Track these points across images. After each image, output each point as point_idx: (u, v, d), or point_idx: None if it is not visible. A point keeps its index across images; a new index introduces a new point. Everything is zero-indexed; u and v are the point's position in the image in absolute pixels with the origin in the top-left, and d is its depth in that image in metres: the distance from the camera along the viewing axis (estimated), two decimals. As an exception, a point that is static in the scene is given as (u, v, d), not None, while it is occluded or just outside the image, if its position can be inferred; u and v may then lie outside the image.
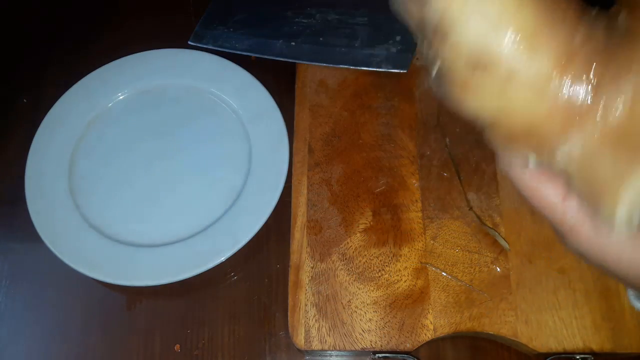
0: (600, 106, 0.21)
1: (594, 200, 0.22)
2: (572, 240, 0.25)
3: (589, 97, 0.21)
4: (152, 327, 0.47)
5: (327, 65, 0.55)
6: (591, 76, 0.21)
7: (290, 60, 0.56)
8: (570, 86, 0.21)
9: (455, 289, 0.44)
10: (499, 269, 0.45)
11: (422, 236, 0.46)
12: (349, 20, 0.57)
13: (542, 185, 0.25)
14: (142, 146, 0.54)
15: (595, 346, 0.42)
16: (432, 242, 0.46)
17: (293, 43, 0.56)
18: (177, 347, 0.46)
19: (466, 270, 0.45)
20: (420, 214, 0.47)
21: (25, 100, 0.59)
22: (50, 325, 0.47)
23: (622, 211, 0.21)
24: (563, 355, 0.42)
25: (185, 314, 0.47)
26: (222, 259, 0.47)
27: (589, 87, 0.21)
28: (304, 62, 0.55)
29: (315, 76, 0.55)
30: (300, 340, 0.43)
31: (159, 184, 0.52)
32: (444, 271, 0.45)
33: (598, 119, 0.21)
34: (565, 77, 0.21)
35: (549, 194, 0.25)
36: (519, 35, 0.21)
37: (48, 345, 0.47)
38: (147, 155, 0.53)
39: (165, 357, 0.46)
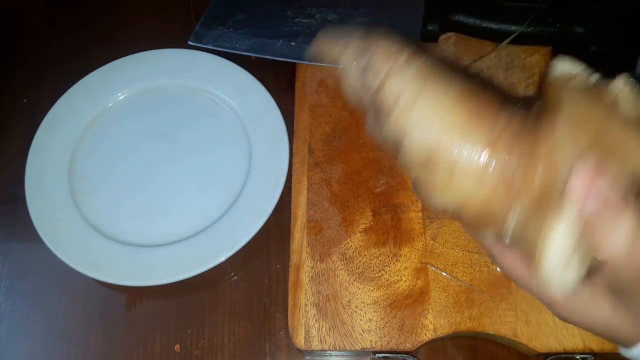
0: (522, 179, 0.26)
1: (532, 263, 0.26)
2: (552, 308, 0.28)
3: (513, 173, 0.26)
4: (152, 327, 0.47)
5: (327, 65, 0.55)
6: (512, 156, 0.26)
7: (290, 60, 0.56)
8: (498, 167, 0.26)
9: (455, 289, 0.44)
10: (499, 269, 0.44)
11: (422, 236, 0.46)
12: (349, 20, 0.57)
13: (510, 258, 0.28)
14: (142, 146, 0.54)
15: (595, 346, 0.42)
16: (432, 242, 0.46)
17: (293, 43, 0.56)
18: (177, 347, 0.46)
19: (466, 270, 0.45)
20: (420, 214, 0.47)
21: (25, 100, 0.59)
22: (50, 325, 0.47)
23: (549, 265, 0.25)
24: (563, 355, 0.42)
25: (185, 314, 0.47)
26: (222, 259, 0.47)
27: (511, 165, 0.26)
28: (304, 62, 0.55)
29: (315, 76, 0.55)
30: (300, 340, 0.43)
31: (159, 184, 0.52)
32: (444, 271, 0.45)
33: (522, 189, 0.26)
34: (492, 161, 0.26)
35: (516, 267, 0.28)
36: (452, 135, 0.27)
37: (48, 345, 0.47)
38: (147, 155, 0.53)
39: (165, 357, 0.46)
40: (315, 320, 0.44)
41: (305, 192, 0.49)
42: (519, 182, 0.26)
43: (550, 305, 0.29)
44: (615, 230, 0.23)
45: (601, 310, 0.27)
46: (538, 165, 0.26)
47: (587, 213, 0.23)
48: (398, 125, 0.29)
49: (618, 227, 0.23)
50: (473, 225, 0.29)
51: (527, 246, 0.26)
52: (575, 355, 0.42)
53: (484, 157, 0.27)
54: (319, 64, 0.47)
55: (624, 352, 0.27)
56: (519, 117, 0.27)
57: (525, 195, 0.26)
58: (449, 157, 0.28)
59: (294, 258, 0.46)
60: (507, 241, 0.27)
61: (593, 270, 0.26)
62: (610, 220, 0.23)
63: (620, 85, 0.26)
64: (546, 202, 0.25)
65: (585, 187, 0.23)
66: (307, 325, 0.43)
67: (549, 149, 0.26)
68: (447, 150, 0.28)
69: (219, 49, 0.57)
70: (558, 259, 0.25)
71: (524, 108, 0.28)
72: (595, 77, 0.27)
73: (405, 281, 0.45)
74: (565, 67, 0.29)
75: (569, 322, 0.29)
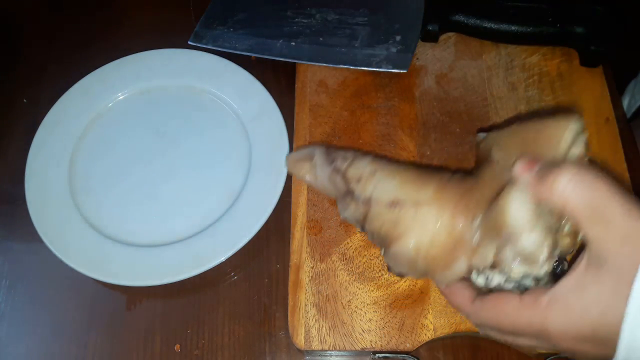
0: (475, 199, 0.34)
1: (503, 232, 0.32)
2: (550, 323, 0.30)
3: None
4: (152, 327, 0.47)
5: (327, 65, 0.55)
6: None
7: (290, 60, 0.56)
8: (452, 197, 0.35)
9: (455, 289, 0.44)
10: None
11: (422, 236, 0.46)
12: (348, 20, 0.57)
13: (502, 301, 0.32)
14: (142, 146, 0.54)
15: (595, 346, 0.42)
16: (432, 242, 0.46)
17: (293, 43, 0.56)
18: (177, 347, 0.46)
19: (466, 270, 0.45)
20: (420, 214, 0.47)
21: (25, 100, 0.59)
22: (50, 325, 0.47)
23: (515, 222, 0.31)
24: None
25: (185, 314, 0.47)
26: (222, 259, 0.47)
27: (465, 190, 0.35)
28: (304, 62, 0.55)
29: (315, 76, 0.55)
30: (300, 340, 0.43)
31: (159, 184, 0.52)
32: (444, 271, 0.45)
33: (477, 206, 0.34)
34: (444, 194, 0.35)
35: (508, 304, 0.31)
36: (410, 183, 0.37)
37: (48, 345, 0.47)
38: (147, 155, 0.53)
39: (165, 357, 0.46)
40: (315, 320, 0.44)
41: (305, 192, 0.49)
42: (473, 203, 0.34)
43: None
44: (558, 172, 0.29)
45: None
46: (486, 183, 0.34)
47: (533, 175, 0.30)
48: (366, 188, 0.38)
49: (560, 169, 0.29)
50: (443, 266, 0.35)
51: (496, 223, 0.32)
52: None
53: (438, 196, 0.35)
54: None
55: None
56: (457, 180, 0.36)
57: (480, 203, 0.34)
58: (409, 201, 0.36)
59: (294, 258, 0.46)
60: (475, 240, 0.34)
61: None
62: (551, 169, 0.29)
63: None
64: (499, 195, 0.32)
65: (526, 163, 0.31)
66: (307, 325, 0.43)
67: (491, 174, 0.35)
68: (407, 197, 0.36)
69: (219, 49, 0.57)
70: (521, 216, 0.31)
71: (461, 176, 0.37)
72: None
73: (405, 281, 0.45)
74: (483, 135, 0.39)
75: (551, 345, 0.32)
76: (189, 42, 0.58)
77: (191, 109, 0.56)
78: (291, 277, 0.45)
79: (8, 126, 0.57)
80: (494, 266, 0.33)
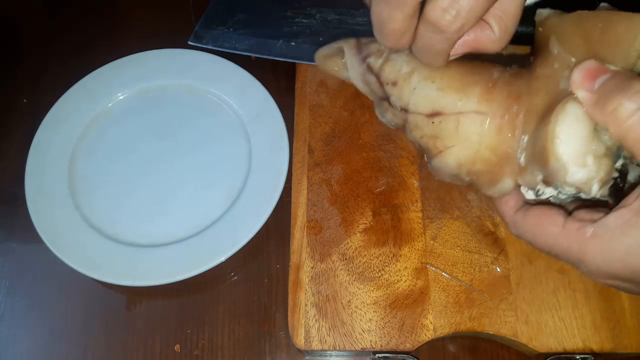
0: (523, 108, 0.29)
1: (549, 163, 0.28)
2: (588, 258, 0.28)
3: (513, 110, 0.29)
4: (152, 327, 0.47)
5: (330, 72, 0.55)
6: (510, 97, 0.30)
7: (290, 60, 0.56)
8: (498, 109, 0.30)
9: (455, 289, 0.44)
10: (499, 269, 0.45)
11: (422, 236, 0.46)
12: (349, 20, 0.57)
13: (545, 220, 0.29)
14: (142, 146, 0.54)
15: (595, 346, 0.42)
16: (432, 242, 0.46)
17: (293, 43, 0.56)
18: (177, 347, 0.46)
19: (466, 270, 0.45)
20: (420, 214, 0.47)
21: (25, 100, 0.59)
22: (50, 325, 0.47)
23: (564, 154, 0.27)
24: (563, 356, 0.42)
25: (185, 314, 0.47)
26: (222, 259, 0.47)
27: (510, 105, 0.30)
28: (304, 62, 0.55)
29: (315, 76, 0.55)
30: (300, 340, 0.43)
31: (159, 184, 0.52)
32: (444, 271, 0.45)
33: (526, 116, 0.29)
34: (491, 106, 0.30)
35: (550, 225, 0.29)
36: (449, 91, 0.31)
37: (48, 345, 0.47)
38: (147, 155, 0.53)
39: (165, 357, 0.46)
40: (315, 320, 0.44)
41: (305, 192, 0.49)
42: (522, 114, 0.29)
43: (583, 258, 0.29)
44: (623, 97, 0.24)
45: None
46: (539, 88, 0.28)
47: (593, 93, 0.25)
48: (402, 95, 0.33)
49: (626, 93, 0.24)
50: (488, 182, 0.31)
51: (542, 152, 0.27)
52: (575, 355, 0.42)
53: (483, 106, 0.30)
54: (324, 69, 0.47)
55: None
56: (511, 70, 0.30)
57: (530, 117, 0.28)
58: (450, 111, 0.31)
59: (294, 258, 0.46)
60: (522, 162, 0.29)
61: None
62: (616, 90, 0.24)
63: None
64: (550, 111, 0.27)
65: (586, 74, 0.25)
66: (307, 325, 0.43)
67: (547, 72, 0.28)
68: (448, 106, 0.31)
69: (219, 49, 0.57)
70: (569, 151, 0.26)
71: (513, 69, 0.31)
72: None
73: (405, 281, 0.45)
74: (547, 12, 0.32)
75: (604, 274, 0.28)
76: (189, 42, 0.58)
77: (191, 109, 0.56)
78: (291, 277, 0.45)
79: (8, 126, 0.57)
80: (544, 182, 0.30)
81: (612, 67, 0.26)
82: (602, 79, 0.26)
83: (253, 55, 0.57)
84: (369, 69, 0.35)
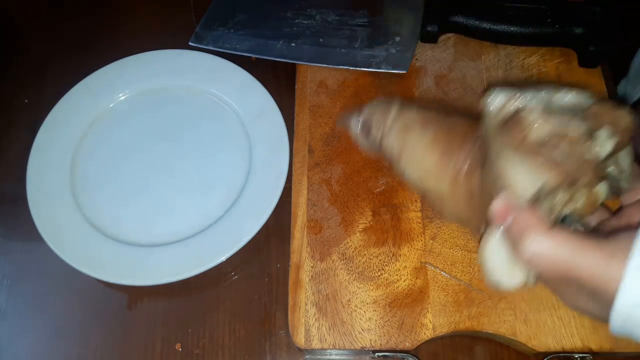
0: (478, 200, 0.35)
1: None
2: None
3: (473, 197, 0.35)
4: (153, 326, 0.47)
5: (327, 66, 0.55)
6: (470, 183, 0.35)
7: (291, 61, 0.56)
8: (463, 193, 0.36)
9: (455, 288, 0.44)
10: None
11: (421, 236, 0.47)
12: (348, 21, 0.57)
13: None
14: (142, 146, 0.54)
15: (594, 345, 0.42)
16: (431, 241, 0.46)
17: (293, 44, 0.56)
18: (178, 346, 0.46)
19: (465, 270, 0.45)
20: (419, 214, 0.47)
21: (26, 101, 0.59)
22: (51, 324, 0.48)
23: (491, 271, 0.32)
24: (562, 355, 0.42)
25: (186, 313, 0.47)
26: (222, 259, 0.47)
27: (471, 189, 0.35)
28: (304, 63, 0.55)
29: (315, 77, 0.55)
30: (300, 339, 0.43)
31: (160, 184, 0.52)
32: (443, 270, 0.45)
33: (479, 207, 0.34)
34: (457, 188, 0.36)
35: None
36: (428, 175, 0.38)
37: (49, 345, 0.47)
38: (147, 155, 0.53)
39: (166, 356, 0.46)
40: (315, 319, 0.44)
41: (305, 192, 0.49)
42: (477, 203, 0.35)
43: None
44: (526, 236, 0.29)
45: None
46: (484, 197, 0.33)
47: (506, 226, 0.30)
48: (399, 168, 0.40)
49: (526, 239, 0.29)
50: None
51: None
52: (574, 355, 0.42)
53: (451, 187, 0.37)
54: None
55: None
56: (473, 154, 0.36)
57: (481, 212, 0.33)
58: (432, 194, 0.39)
59: (294, 257, 0.46)
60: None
61: None
62: (519, 234, 0.29)
63: (531, 116, 0.31)
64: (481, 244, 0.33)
65: (498, 211, 0.30)
66: (307, 324, 0.44)
67: (488, 178, 0.33)
68: (430, 185, 0.38)
69: (220, 49, 0.57)
70: (496, 265, 0.31)
71: (477, 142, 0.36)
72: (514, 106, 0.32)
73: (404, 280, 0.45)
74: (495, 100, 0.33)
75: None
76: (190, 43, 0.58)
77: (192, 109, 0.56)
78: (291, 276, 0.46)
79: (9, 126, 0.57)
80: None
81: (522, 201, 0.30)
82: (512, 215, 0.30)
83: (253, 55, 0.57)
84: (374, 141, 0.42)
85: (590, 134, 0.30)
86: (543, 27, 0.53)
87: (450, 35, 0.57)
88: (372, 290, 0.45)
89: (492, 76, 0.54)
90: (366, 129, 0.43)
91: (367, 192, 0.49)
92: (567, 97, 0.32)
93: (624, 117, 0.31)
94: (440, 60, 0.56)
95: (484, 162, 0.34)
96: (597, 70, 0.54)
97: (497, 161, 0.31)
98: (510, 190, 0.30)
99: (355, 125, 0.44)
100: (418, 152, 0.39)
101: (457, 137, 0.37)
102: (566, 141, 0.30)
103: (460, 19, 0.55)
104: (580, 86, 0.46)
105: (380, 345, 0.43)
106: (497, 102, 0.32)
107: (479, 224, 0.34)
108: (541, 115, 0.30)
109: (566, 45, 0.55)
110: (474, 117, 0.38)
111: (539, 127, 0.30)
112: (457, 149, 0.37)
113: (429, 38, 0.56)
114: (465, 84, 0.54)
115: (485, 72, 0.55)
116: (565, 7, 0.54)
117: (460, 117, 0.40)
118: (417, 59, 0.56)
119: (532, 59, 0.55)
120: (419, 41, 0.56)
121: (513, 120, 0.31)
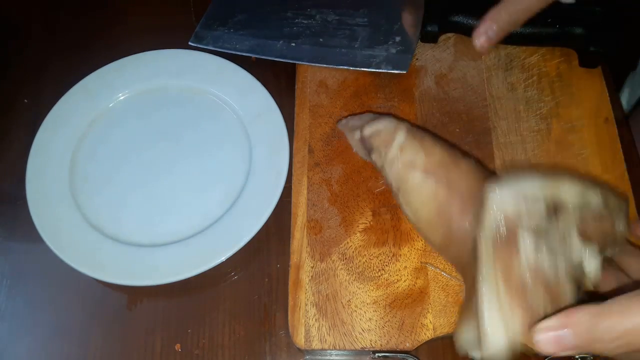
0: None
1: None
2: None
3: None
4: (152, 326, 0.47)
5: (327, 66, 0.55)
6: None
7: (291, 61, 0.56)
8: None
9: (455, 289, 0.44)
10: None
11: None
12: (348, 21, 0.57)
13: None
14: (142, 147, 0.54)
15: (594, 345, 0.42)
16: (431, 241, 0.46)
17: (293, 44, 0.56)
18: (177, 347, 0.46)
19: (466, 270, 0.45)
20: (419, 214, 0.47)
21: (26, 101, 0.59)
22: (51, 325, 0.48)
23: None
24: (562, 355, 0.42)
25: (186, 313, 0.47)
26: (222, 259, 0.47)
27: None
28: (304, 63, 0.55)
29: (315, 77, 0.55)
30: (300, 340, 0.43)
31: (160, 184, 0.52)
32: (443, 271, 0.45)
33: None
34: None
35: None
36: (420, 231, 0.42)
37: (48, 345, 0.47)
38: (147, 155, 0.53)
39: (166, 357, 0.46)
40: (315, 319, 0.44)
41: (305, 192, 0.49)
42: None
43: None
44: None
45: None
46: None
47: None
48: (394, 195, 0.42)
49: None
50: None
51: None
52: (574, 356, 0.42)
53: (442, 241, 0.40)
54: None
55: None
56: (468, 234, 0.35)
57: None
58: (424, 233, 0.42)
59: (294, 258, 0.46)
60: None
61: None
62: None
63: (524, 245, 0.31)
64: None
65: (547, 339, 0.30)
66: (307, 324, 0.44)
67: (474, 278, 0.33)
68: (422, 228, 0.41)
69: (220, 49, 0.57)
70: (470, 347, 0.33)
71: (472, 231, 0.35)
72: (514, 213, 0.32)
73: (405, 281, 0.45)
74: (499, 199, 0.33)
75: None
76: (190, 43, 0.58)
77: (192, 109, 0.56)
78: (291, 276, 0.46)
79: (9, 126, 0.57)
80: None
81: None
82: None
83: (253, 55, 0.57)
84: (368, 151, 0.44)
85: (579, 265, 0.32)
86: (543, 27, 0.53)
87: (450, 35, 0.57)
88: (373, 290, 0.45)
89: (492, 76, 0.54)
90: (367, 147, 0.43)
91: (368, 192, 0.49)
92: (571, 195, 0.32)
93: (620, 226, 0.33)
94: (440, 60, 0.56)
95: (474, 257, 0.33)
96: (597, 70, 0.54)
97: (481, 288, 0.31)
98: (485, 340, 0.31)
99: (356, 137, 0.44)
100: (415, 199, 0.39)
101: (457, 199, 0.38)
102: (546, 290, 0.31)
103: (460, 18, 0.55)
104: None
105: (381, 345, 0.43)
106: (500, 202, 0.32)
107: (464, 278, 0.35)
108: (535, 247, 0.31)
109: (566, 45, 0.55)
110: (480, 169, 0.40)
111: (529, 260, 0.31)
112: (457, 213, 0.37)
113: (429, 38, 0.56)
114: (466, 84, 0.54)
115: (485, 72, 0.55)
116: (565, 6, 0.54)
117: (465, 163, 0.40)
118: (417, 59, 0.56)
119: (532, 59, 0.55)
120: (419, 41, 0.56)
121: (508, 241, 0.31)
